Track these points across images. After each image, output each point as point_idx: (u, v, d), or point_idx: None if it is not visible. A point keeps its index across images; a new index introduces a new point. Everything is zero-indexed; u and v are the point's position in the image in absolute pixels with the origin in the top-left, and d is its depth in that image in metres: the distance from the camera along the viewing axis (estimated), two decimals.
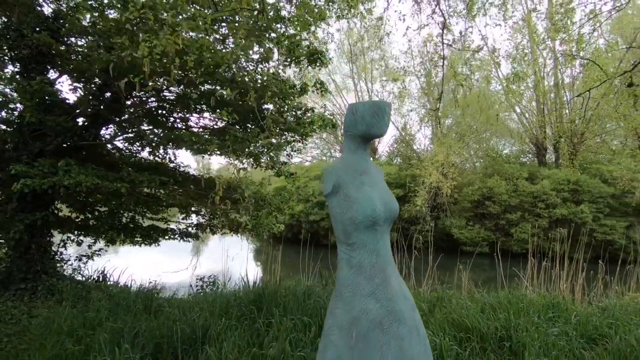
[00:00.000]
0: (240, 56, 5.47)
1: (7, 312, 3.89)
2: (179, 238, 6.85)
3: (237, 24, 4.13)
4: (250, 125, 6.10)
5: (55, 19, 5.40)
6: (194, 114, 6.51)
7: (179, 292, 5.39)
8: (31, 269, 4.85)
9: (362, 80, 23.16)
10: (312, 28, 5.59)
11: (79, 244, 5.98)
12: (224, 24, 5.38)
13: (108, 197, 6.01)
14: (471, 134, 17.07)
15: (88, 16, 5.49)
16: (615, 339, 2.91)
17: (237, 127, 6.16)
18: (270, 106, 5.68)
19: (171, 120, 6.52)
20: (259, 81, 4.98)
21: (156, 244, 6.84)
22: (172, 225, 7.09)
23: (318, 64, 6.07)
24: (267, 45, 5.59)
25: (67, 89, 6.02)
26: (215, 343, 2.58)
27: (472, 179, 16.14)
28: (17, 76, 5.09)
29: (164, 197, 6.36)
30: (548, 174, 14.85)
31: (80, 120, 5.70)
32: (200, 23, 3.56)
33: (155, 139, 6.11)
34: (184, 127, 6.51)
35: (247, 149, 5.56)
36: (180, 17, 3.42)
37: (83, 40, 5.53)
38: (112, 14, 5.45)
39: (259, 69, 5.40)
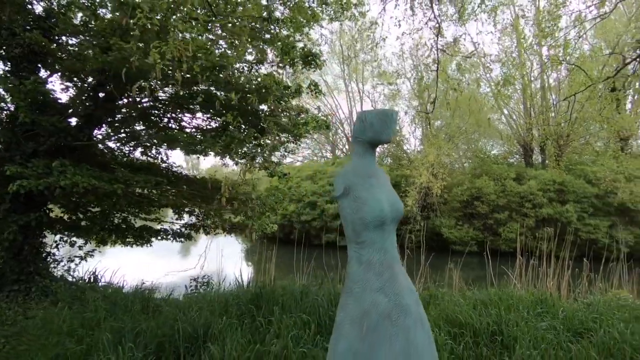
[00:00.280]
0: (236, 58, 5.52)
1: (2, 313, 3.86)
2: (171, 238, 6.83)
3: (233, 27, 4.17)
4: (244, 126, 6.13)
5: (46, 17, 5.36)
6: (187, 114, 6.52)
7: (174, 293, 5.39)
8: (24, 270, 4.80)
9: (353, 81, 23.35)
10: (306, 29, 5.66)
11: (72, 244, 5.93)
12: (217, 25, 5.41)
13: (101, 198, 5.97)
14: (460, 135, 17.37)
15: (80, 15, 5.46)
16: (600, 333, 3.06)
17: (232, 127, 6.20)
18: (264, 107, 5.73)
19: (164, 121, 6.52)
20: (257, 83, 5.02)
21: (148, 245, 6.80)
22: (165, 226, 7.06)
23: (312, 66, 6.15)
24: (261, 46, 5.64)
25: (58, 88, 5.97)
26: (218, 341, 2.63)
27: (461, 179, 16.41)
28: (9, 75, 5.03)
29: (157, 197, 6.34)
30: (535, 174, 15.20)
31: (73, 120, 5.66)
32: (193, 23, 3.60)
33: (150, 139, 6.10)
34: (177, 127, 6.51)
35: (243, 150, 5.61)
36: (175, 16, 3.46)
37: (74, 39, 5.49)
38: (105, 13, 5.44)
39: (260, 71, 5.44)
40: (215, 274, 6.43)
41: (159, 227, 6.97)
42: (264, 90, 5.06)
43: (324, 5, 5.94)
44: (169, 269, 7.14)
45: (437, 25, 4.36)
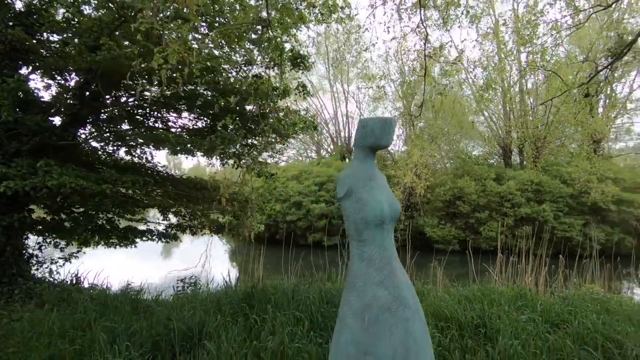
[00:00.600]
0: (224, 59, 5.54)
1: None
2: (156, 239, 6.76)
3: (226, 29, 4.20)
4: (232, 126, 6.14)
5: (28, 14, 5.24)
6: (173, 114, 6.49)
7: (161, 293, 5.37)
8: (6, 272, 4.69)
9: (338, 82, 23.51)
10: (293, 31, 5.73)
11: (56, 245, 5.80)
12: (203, 24, 5.41)
13: (86, 199, 5.87)
14: (443, 136, 17.77)
15: (62, 11, 5.36)
16: (574, 324, 3.28)
17: (220, 128, 6.21)
18: (251, 107, 5.77)
19: (151, 120, 6.47)
20: (247, 84, 5.06)
21: (133, 246, 6.72)
22: (150, 226, 6.99)
23: (301, 68, 6.23)
24: (248, 46, 5.68)
25: (41, 86, 5.83)
26: (214, 338, 2.68)
27: (443, 179, 16.79)
28: None
29: (142, 197, 6.28)
30: (513, 174, 15.71)
31: (57, 119, 5.55)
32: (180, 22, 3.60)
33: (137, 139, 6.04)
34: (163, 127, 6.47)
35: (231, 150, 5.63)
36: (172, 23, 3.47)
37: (57, 36, 5.39)
38: (91, 11, 5.36)
39: (250, 73, 5.47)
40: (199, 275, 6.43)
41: (144, 227, 6.90)
42: (253, 91, 5.11)
43: (311, 8, 6.03)
44: (166, 269, 7.08)
45: (424, 33, 4.52)
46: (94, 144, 6.39)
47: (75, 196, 5.56)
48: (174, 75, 2.38)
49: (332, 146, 24.06)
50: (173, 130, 6.43)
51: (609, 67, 5.06)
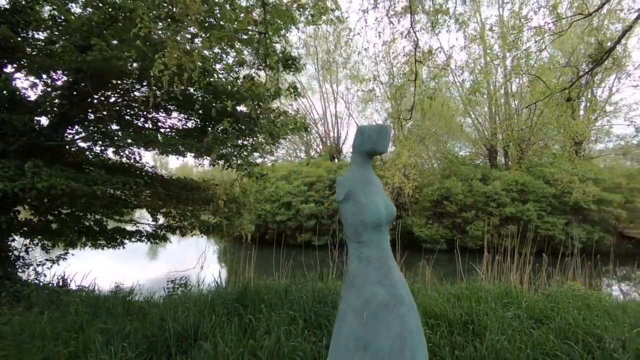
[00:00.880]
0: (215, 60, 5.54)
1: None
2: (145, 240, 6.71)
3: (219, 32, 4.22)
4: (222, 127, 6.13)
5: (14, 11, 5.14)
6: (162, 113, 6.44)
7: (152, 295, 5.34)
8: None
9: (327, 82, 23.60)
10: (283, 32, 5.77)
11: (44, 247, 5.71)
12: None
13: (75, 200, 5.79)
14: (430, 136, 18.02)
15: (47, 8, 5.28)
16: (557, 319, 3.43)
17: (210, 129, 6.20)
18: (243, 108, 5.79)
19: (141, 120, 6.41)
20: (239, 85, 5.08)
21: (121, 247, 6.65)
22: (139, 227, 6.92)
23: (292, 70, 6.28)
24: (237, 46, 5.69)
25: (27, 85, 5.71)
26: (210, 338, 2.71)
27: (431, 179, 17.04)
28: None
29: (131, 198, 6.21)
30: (499, 175, 16.07)
31: (44, 119, 5.46)
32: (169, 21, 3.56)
33: (125, 138, 5.98)
34: (152, 127, 6.42)
35: (222, 151, 5.63)
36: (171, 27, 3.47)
37: (42, 34, 5.31)
38: (80, 10, 5.29)
39: (241, 73, 5.49)
40: (189, 276, 6.42)
41: (133, 228, 6.83)
42: (245, 94, 5.13)
43: (301, 10, 6.09)
44: (154, 270, 7.03)
45: (415, 38, 4.62)
46: (81, 144, 6.30)
47: (64, 198, 5.49)
48: (173, 79, 2.39)
49: (321, 146, 24.12)
50: (162, 130, 6.39)
51: (589, 72, 5.27)
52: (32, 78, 5.44)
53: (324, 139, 23.87)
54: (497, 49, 6.78)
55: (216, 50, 5.64)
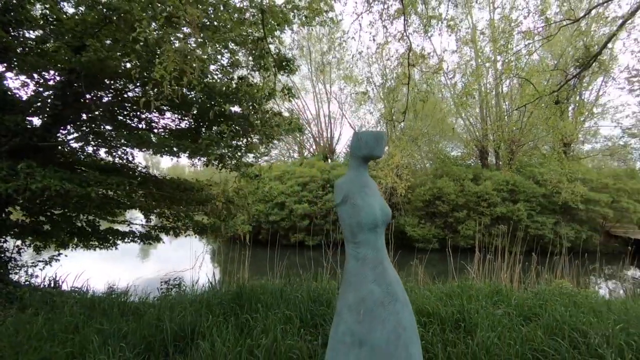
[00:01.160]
0: (209, 60, 5.56)
1: None
2: (138, 241, 6.69)
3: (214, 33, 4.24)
4: (216, 128, 6.16)
5: (5, 11, 5.09)
6: (155, 114, 6.43)
7: (147, 295, 5.35)
8: None
9: (320, 82, 23.65)
10: (277, 33, 5.81)
11: (37, 249, 5.67)
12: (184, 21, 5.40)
13: (68, 201, 5.75)
14: (423, 137, 18.20)
15: (38, 6, 5.23)
16: (545, 316, 3.54)
17: (204, 129, 6.21)
18: (237, 109, 5.81)
19: (134, 121, 6.39)
20: (233, 86, 5.11)
21: (114, 248, 6.62)
22: (132, 228, 6.90)
23: (287, 71, 6.31)
24: (231, 46, 5.71)
25: (19, 85, 5.65)
26: (207, 338, 2.75)
27: (423, 179, 17.21)
28: None
29: (124, 198, 6.19)
30: (490, 175, 16.29)
31: (36, 119, 5.42)
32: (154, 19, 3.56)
33: (120, 139, 5.96)
34: (146, 127, 6.40)
35: (217, 151, 5.65)
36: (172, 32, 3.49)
37: (34, 33, 5.27)
38: (73, 10, 5.26)
39: (235, 74, 5.52)
40: (182, 276, 6.43)
41: (126, 229, 6.81)
42: (241, 95, 5.16)
43: (295, 10, 6.13)
44: (146, 270, 7.02)
45: (408, 42, 4.70)
46: (74, 144, 6.26)
47: (57, 199, 5.46)
48: (171, 82, 2.42)
49: (314, 146, 24.16)
50: (155, 130, 6.37)
51: (577, 76, 5.42)
52: (23, 77, 5.40)
53: (317, 139, 23.93)
54: (489, 52, 6.91)
55: (209, 51, 5.66)
